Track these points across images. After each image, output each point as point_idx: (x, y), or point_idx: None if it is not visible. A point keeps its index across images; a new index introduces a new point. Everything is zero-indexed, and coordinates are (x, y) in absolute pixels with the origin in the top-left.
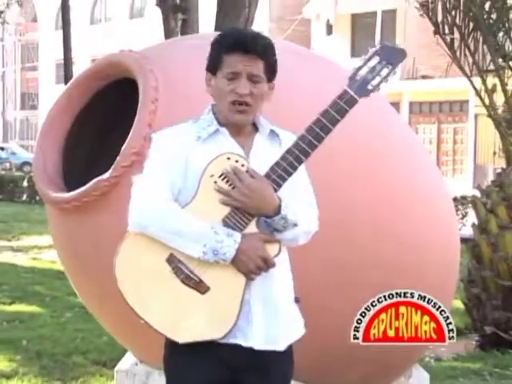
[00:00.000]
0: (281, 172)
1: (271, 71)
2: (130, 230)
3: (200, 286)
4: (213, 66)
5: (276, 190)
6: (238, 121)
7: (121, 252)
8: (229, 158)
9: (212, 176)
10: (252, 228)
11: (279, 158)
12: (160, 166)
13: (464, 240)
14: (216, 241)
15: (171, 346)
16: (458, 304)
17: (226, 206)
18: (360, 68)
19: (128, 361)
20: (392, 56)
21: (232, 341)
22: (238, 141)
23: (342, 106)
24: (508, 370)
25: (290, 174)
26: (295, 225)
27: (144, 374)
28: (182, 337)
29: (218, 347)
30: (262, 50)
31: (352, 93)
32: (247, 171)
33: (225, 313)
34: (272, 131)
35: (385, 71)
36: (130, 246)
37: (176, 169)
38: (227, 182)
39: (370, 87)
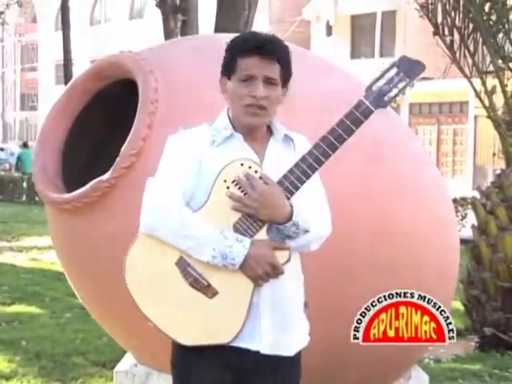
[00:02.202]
0: (294, 179)
1: (286, 75)
2: (141, 232)
3: (208, 290)
4: (228, 70)
5: (288, 198)
6: (253, 124)
7: (131, 253)
8: (242, 164)
9: (225, 181)
10: (262, 234)
11: (293, 166)
12: (173, 169)
13: (463, 241)
14: (225, 245)
15: (178, 350)
16: (458, 305)
17: (237, 212)
18: (377, 79)
19: (127, 362)
20: (410, 68)
21: (239, 344)
22: (252, 146)
23: (357, 117)
24: (507, 372)
25: (302, 182)
26: (307, 231)
27: (143, 374)
28: (188, 339)
29: (225, 350)
30: (277, 53)
31: (368, 103)
32: (260, 177)
33: (231, 318)
34: (286, 136)
35: (402, 83)
36: (140, 248)
37: (189, 172)
38: (240, 187)
39: (386, 99)
